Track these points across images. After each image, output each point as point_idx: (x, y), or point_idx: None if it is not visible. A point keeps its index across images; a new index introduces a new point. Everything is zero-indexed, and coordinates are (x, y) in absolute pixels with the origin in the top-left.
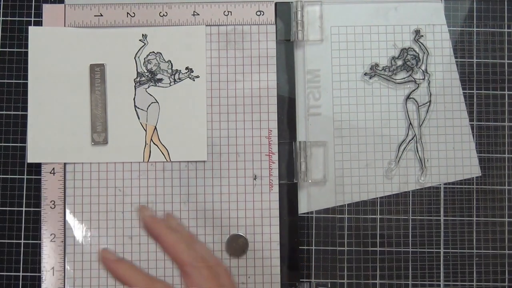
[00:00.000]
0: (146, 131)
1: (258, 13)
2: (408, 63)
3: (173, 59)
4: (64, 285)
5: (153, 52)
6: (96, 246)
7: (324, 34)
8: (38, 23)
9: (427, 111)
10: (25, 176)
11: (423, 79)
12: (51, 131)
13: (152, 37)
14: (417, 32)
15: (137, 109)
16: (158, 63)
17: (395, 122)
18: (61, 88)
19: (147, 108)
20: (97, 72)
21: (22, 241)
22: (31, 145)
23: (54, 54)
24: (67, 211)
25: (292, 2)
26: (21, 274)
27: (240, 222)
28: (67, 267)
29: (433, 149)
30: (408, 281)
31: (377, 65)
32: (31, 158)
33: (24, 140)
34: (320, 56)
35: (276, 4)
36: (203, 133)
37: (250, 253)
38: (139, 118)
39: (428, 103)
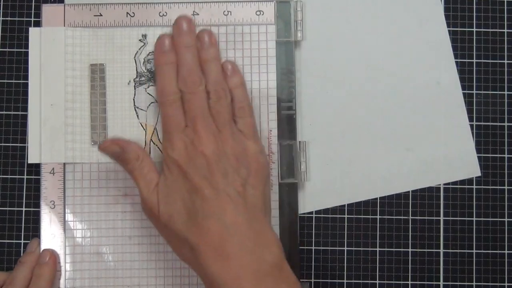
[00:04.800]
0: (145, 131)
1: (258, 13)
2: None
3: None
4: (65, 285)
5: (153, 52)
6: (96, 246)
7: (324, 32)
8: (38, 24)
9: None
10: (25, 176)
11: None
12: (51, 131)
13: (152, 37)
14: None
15: (136, 109)
16: None
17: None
18: (61, 88)
19: (147, 108)
20: (97, 72)
21: (22, 241)
22: (31, 145)
23: (54, 54)
24: (67, 211)
25: (292, 2)
26: None
27: None
28: (67, 267)
29: (433, 149)
30: (408, 281)
31: None
32: (31, 158)
33: (24, 140)
34: (320, 55)
35: (276, 4)
36: None
37: None
38: (138, 118)
39: None
